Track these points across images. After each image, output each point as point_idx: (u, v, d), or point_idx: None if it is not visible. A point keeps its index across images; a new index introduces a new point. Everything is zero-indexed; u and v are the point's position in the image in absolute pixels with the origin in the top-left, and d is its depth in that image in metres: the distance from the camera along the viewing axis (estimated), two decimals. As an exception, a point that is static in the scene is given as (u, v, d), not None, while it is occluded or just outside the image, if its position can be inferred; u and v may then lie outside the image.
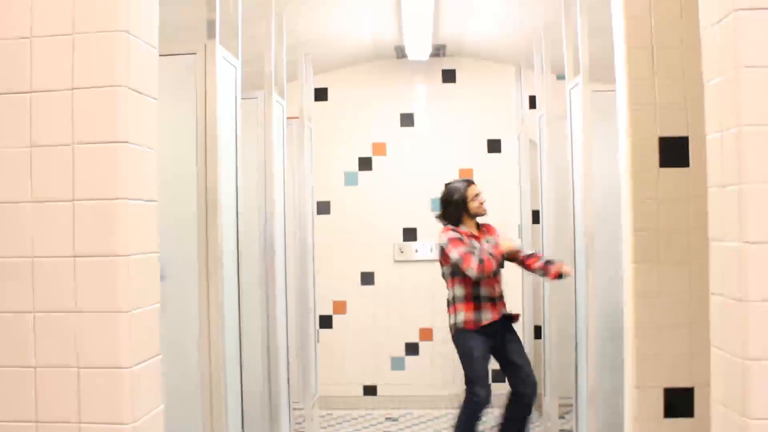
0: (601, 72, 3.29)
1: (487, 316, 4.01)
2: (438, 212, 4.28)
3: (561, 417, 4.67)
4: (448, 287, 4.18)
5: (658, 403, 2.47)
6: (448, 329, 4.17)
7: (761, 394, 1.36)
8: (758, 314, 1.36)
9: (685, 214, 2.43)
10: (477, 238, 4.12)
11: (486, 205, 4.18)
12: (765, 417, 1.36)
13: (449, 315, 4.15)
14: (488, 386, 4.02)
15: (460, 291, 4.07)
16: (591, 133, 3.21)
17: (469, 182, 4.25)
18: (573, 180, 3.55)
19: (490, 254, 3.96)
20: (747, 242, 1.36)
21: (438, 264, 4.24)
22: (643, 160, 2.47)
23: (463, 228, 4.12)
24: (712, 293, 1.51)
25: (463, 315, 4.04)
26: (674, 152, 2.46)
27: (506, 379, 4.19)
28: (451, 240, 4.02)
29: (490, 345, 4.05)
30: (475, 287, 4.03)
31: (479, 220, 4.22)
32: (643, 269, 2.44)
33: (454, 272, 4.09)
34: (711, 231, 1.52)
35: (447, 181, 4.33)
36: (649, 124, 2.46)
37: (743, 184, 1.37)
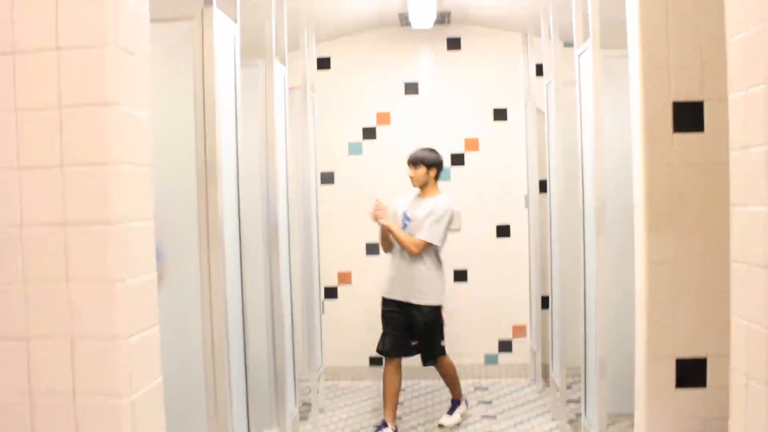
0: (609, 39, 3.20)
1: None
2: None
3: (568, 387, 4.65)
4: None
5: (670, 374, 2.43)
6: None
7: (786, 364, 1.30)
8: (784, 281, 1.29)
9: (699, 179, 2.36)
10: None
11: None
12: (789, 388, 1.30)
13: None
14: None
15: None
16: (601, 98, 3.13)
17: None
18: (582, 148, 3.48)
19: None
20: (773, 206, 1.29)
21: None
22: (657, 125, 2.40)
23: None
24: (734, 260, 1.45)
25: None
26: (689, 117, 2.38)
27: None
28: None
29: None
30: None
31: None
32: (656, 237, 2.38)
33: None
34: (733, 196, 1.45)
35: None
36: (663, 88, 2.38)
37: (770, 144, 1.29)
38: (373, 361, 5.59)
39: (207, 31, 2.49)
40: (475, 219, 5.56)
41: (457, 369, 5.54)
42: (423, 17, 5.11)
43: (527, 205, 5.45)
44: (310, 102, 4.70)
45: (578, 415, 4.28)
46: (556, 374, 4.34)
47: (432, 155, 4.44)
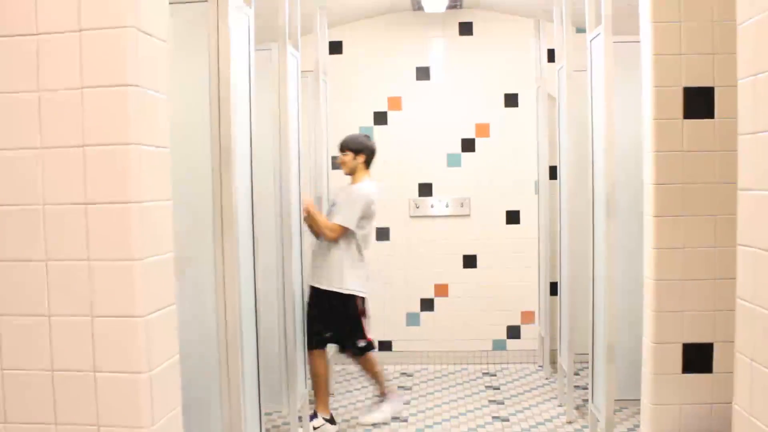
0: (622, 25, 3.20)
1: None
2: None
3: (576, 373, 4.68)
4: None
5: (677, 359, 2.45)
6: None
7: (790, 346, 1.32)
8: (790, 264, 1.31)
9: (709, 166, 2.37)
10: None
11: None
12: (793, 370, 1.32)
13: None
14: None
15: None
16: (612, 83, 3.14)
17: None
18: (593, 133, 3.49)
19: None
20: (780, 190, 1.31)
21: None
22: (667, 110, 2.41)
23: None
24: (740, 244, 1.47)
25: None
26: (699, 103, 2.39)
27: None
28: None
29: None
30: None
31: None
32: (665, 222, 2.40)
33: None
34: (741, 180, 1.47)
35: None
36: (674, 74, 2.39)
37: (778, 129, 1.31)
38: (383, 346, 5.64)
39: (222, 13, 2.50)
40: (485, 205, 5.58)
41: (465, 355, 5.58)
42: (435, 2, 5.11)
43: (537, 192, 5.46)
44: (323, 86, 4.71)
45: (585, 400, 4.31)
46: (564, 360, 4.37)
47: (360, 141, 4.38)
